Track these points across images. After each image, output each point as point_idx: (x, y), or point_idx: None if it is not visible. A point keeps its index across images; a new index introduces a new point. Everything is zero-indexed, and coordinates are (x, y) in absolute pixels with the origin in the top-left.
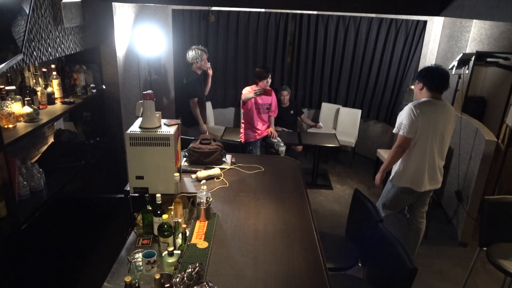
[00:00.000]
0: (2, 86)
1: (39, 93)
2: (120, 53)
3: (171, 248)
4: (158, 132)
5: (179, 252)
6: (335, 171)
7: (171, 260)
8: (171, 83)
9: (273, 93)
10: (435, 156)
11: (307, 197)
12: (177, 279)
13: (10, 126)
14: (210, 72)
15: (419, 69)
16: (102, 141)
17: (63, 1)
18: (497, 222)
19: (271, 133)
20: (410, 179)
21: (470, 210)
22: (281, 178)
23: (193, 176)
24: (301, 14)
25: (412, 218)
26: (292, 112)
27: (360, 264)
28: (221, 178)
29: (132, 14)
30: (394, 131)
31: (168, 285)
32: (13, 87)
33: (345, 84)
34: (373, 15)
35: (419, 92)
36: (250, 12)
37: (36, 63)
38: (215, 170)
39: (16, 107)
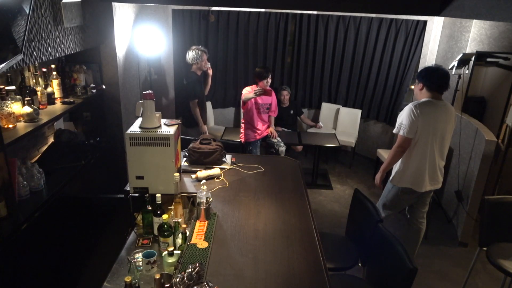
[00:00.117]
0: (2, 86)
1: (39, 93)
2: (120, 53)
3: (171, 248)
4: (158, 132)
5: (179, 252)
6: (335, 171)
7: (171, 260)
8: (171, 83)
9: (273, 93)
10: (436, 156)
11: (307, 197)
12: (177, 279)
13: (10, 126)
14: (210, 72)
15: (419, 69)
16: (102, 141)
17: (63, 1)
18: (497, 222)
19: (271, 133)
20: (411, 180)
21: (470, 210)
22: (281, 178)
23: (193, 176)
24: (301, 14)
25: (413, 218)
26: (292, 112)
27: (360, 264)
28: (221, 178)
29: (132, 14)
30: (394, 131)
31: (168, 285)
32: (13, 87)
33: (345, 84)
34: (373, 15)
35: (419, 92)
36: (250, 12)
37: (36, 63)
38: (215, 170)
39: (16, 107)
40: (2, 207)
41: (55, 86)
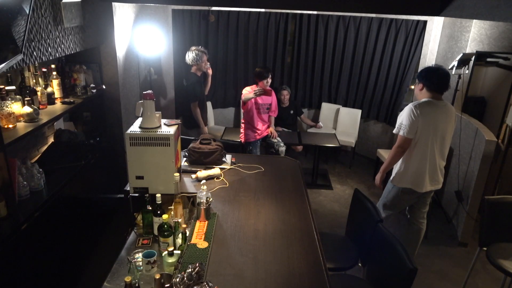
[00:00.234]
0: (2, 86)
1: (39, 93)
2: (120, 53)
3: (171, 248)
4: (158, 132)
5: (179, 252)
6: (335, 171)
7: (171, 260)
8: (171, 83)
9: (273, 93)
10: (436, 157)
11: (307, 197)
12: (177, 279)
13: (10, 126)
14: (210, 71)
15: (419, 69)
16: (102, 141)
17: (63, 1)
18: (497, 222)
19: (271, 133)
20: (411, 180)
21: (470, 210)
22: (281, 178)
23: (193, 176)
24: (301, 14)
25: (413, 219)
26: (292, 112)
27: (360, 264)
28: (221, 178)
29: (132, 14)
30: (394, 131)
31: (168, 285)
32: (13, 87)
33: (345, 84)
34: (373, 15)
35: (419, 93)
36: (250, 12)
37: (36, 63)
38: (215, 170)
39: (16, 107)
40: (2, 207)
41: (55, 86)
